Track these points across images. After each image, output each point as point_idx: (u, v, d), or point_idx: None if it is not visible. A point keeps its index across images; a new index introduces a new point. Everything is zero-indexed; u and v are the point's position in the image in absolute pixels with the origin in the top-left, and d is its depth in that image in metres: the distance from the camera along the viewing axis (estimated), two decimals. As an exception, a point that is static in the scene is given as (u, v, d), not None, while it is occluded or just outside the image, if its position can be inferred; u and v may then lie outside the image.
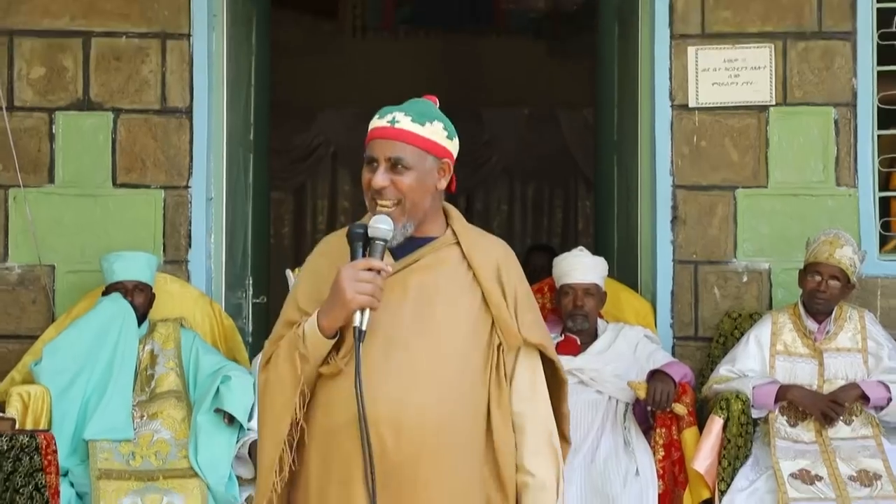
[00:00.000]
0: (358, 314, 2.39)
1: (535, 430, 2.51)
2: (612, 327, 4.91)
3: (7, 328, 5.11)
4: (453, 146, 2.56)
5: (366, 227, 2.45)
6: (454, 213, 2.59)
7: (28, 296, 5.14)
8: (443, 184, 2.52)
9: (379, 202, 2.47)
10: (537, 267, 6.53)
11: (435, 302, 2.47)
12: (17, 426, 4.28)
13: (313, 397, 2.47)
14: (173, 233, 5.18)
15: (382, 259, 2.43)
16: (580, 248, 5.02)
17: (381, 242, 2.43)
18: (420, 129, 2.49)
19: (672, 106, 5.23)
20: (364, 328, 2.39)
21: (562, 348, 4.79)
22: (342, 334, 2.44)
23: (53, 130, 5.19)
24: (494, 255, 2.55)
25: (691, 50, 5.21)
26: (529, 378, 2.53)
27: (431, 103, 2.58)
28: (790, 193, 5.22)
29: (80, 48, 5.19)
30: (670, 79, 5.21)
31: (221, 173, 5.29)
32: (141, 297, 4.79)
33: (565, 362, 4.66)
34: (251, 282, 5.66)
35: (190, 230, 5.17)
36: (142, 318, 4.79)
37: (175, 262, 5.17)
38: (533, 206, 9.45)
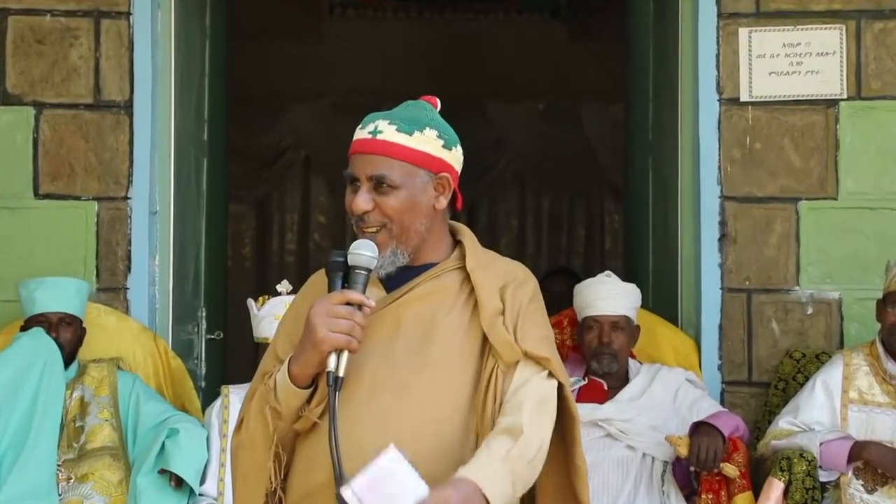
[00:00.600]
0: (333, 357, 2.41)
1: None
2: (647, 369, 4.91)
3: None
4: (454, 157, 2.58)
5: (346, 255, 2.47)
6: (465, 233, 2.63)
7: (-70, 331, 5.12)
8: (442, 202, 2.55)
9: (363, 228, 2.50)
10: (555, 295, 6.48)
11: (432, 337, 2.50)
12: (-86, 492, 4.26)
13: (292, 459, 2.51)
14: (109, 254, 5.18)
15: (365, 291, 2.45)
16: (607, 272, 5.03)
17: (364, 272, 2.46)
18: (408, 140, 2.51)
19: (720, 100, 5.24)
20: (340, 373, 2.41)
21: (585, 394, 4.80)
22: (317, 383, 2.47)
23: (-39, 129, 5.22)
24: (505, 273, 2.57)
25: (743, 32, 5.22)
26: (534, 398, 2.51)
27: (428, 106, 2.60)
28: (865, 206, 5.23)
29: (-7, 29, 5.22)
30: (718, 67, 5.23)
31: (168, 181, 5.30)
32: (68, 333, 4.79)
33: (589, 411, 4.67)
34: (204, 314, 5.69)
35: (129, 251, 5.17)
36: (69, 357, 4.79)
37: (111, 289, 5.16)
38: (549, 221, 9.46)
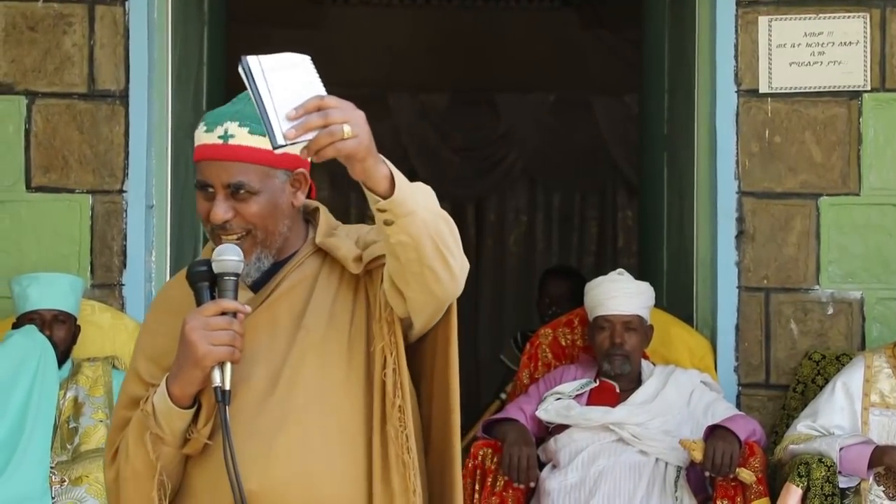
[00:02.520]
0: (217, 371, 2.39)
1: None
2: (661, 371, 4.91)
3: None
4: None
5: (209, 263, 2.45)
6: (321, 214, 2.61)
7: (-82, 328, 5.12)
8: (300, 198, 2.53)
9: (223, 236, 2.47)
10: (554, 297, 6.46)
11: (308, 325, 2.49)
12: None
13: (187, 484, 2.48)
14: (104, 249, 5.18)
15: (237, 297, 2.43)
16: (619, 270, 5.04)
17: (232, 278, 2.43)
18: (261, 142, 2.45)
19: (738, 92, 5.24)
20: (227, 387, 2.39)
21: (596, 397, 4.80)
22: (200, 401, 2.44)
23: (-49, 119, 5.21)
24: (355, 230, 2.57)
25: (763, 20, 5.22)
26: None
27: None
28: (889, 203, 5.24)
29: (-17, 15, 5.22)
30: (736, 57, 5.23)
31: (165, 174, 5.31)
32: (62, 331, 4.79)
33: (600, 414, 4.67)
34: (202, 311, 5.65)
35: (125, 246, 5.17)
36: (63, 356, 4.79)
37: (106, 285, 5.16)
38: (560, 218, 9.46)
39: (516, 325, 6.59)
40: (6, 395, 4.61)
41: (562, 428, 4.76)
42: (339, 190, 8.65)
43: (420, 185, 2.33)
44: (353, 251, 2.51)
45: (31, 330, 4.73)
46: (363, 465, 2.45)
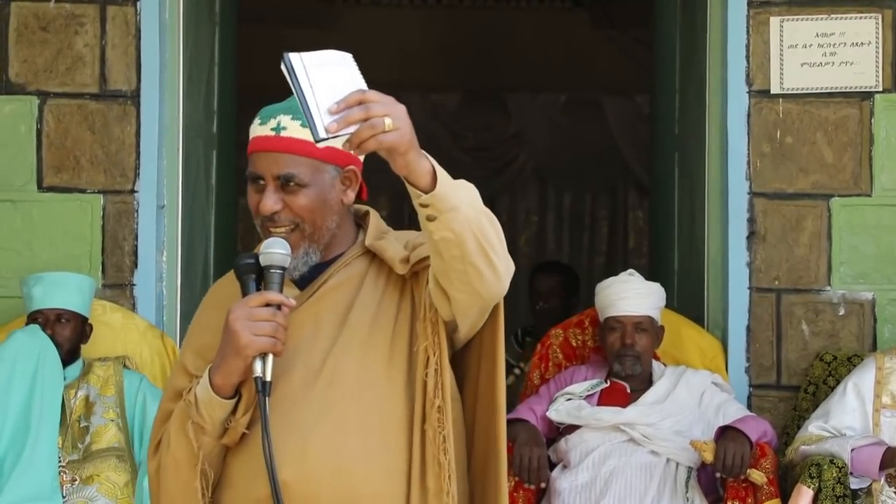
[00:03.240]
0: (258, 362, 2.41)
1: None
2: (671, 371, 4.91)
3: None
4: None
5: (257, 256, 2.47)
6: (371, 217, 2.63)
7: (-69, 328, 5.13)
8: (350, 196, 2.55)
9: (272, 229, 2.50)
10: (542, 292, 6.45)
11: (352, 324, 2.50)
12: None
13: (227, 474, 2.50)
14: (115, 249, 5.18)
15: (282, 291, 2.45)
16: (630, 271, 5.04)
17: (278, 271, 2.45)
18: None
19: (749, 92, 5.23)
20: (268, 378, 2.40)
21: (607, 397, 4.80)
22: (241, 392, 2.46)
23: (-38, 119, 5.22)
24: (404, 236, 2.58)
25: (774, 21, 5.21)
26: None
27: None
28: (901, 203, 5.25)
29: (-5, 15, 5.23)
30: (747, 58, 5.22)
31: (177, 174, 5.31)
32: (66, 330, 4.79)
33: (611, 415, 4.67)
34: (213, 312, 5.65)
35: (136, 246, 5.18)
36: (69, 355, 4.79)
37: (117, 285, 5.17)
38: (571, 218, 9.46)
39: (527, 324, 6.60)
40: (6, 395, 4.60)
41: (572, 428, 4.76)
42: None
43: (463, 181, 2.34)
44: (401, 253, 2.52)
45: (33, 329, 4.73)
46: (399, 464, 2.46)
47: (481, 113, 9.18)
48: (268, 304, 2.41)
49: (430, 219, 2.29)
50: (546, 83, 8.99)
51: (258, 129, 2.51)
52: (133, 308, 5.15)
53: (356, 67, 2.26)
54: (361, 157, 2.54)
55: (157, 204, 5.20)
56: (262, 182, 2.50)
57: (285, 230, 2.49)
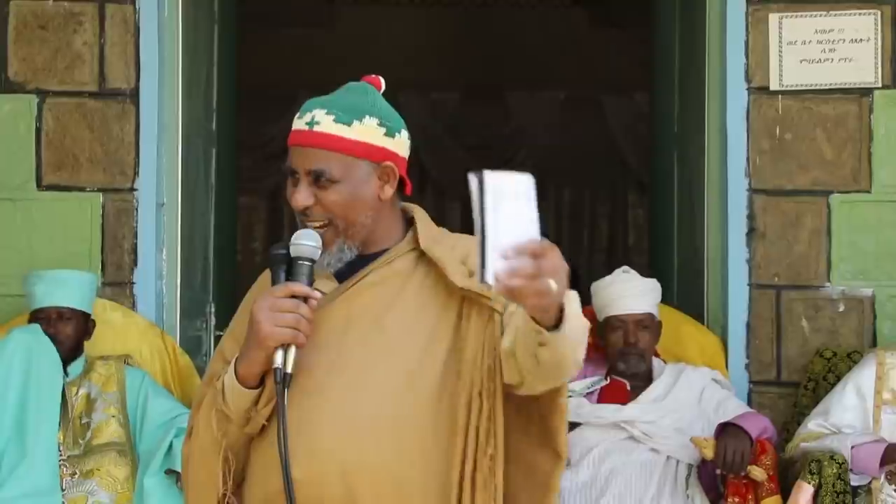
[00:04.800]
0: (279, 353, 2.40)
1: None
2: (671, 369, 4.91)
3: None
4: (397, 144, 2.54)
5: (288, 247, 2.46)
6: (419, 214, 2.60)
7: (-70, 327, 5.13)
8: (388, 191, 2.52)
9: (306, 223, 2.49)
10: None
11: (385, 325, 2.48)
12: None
13: (249, 463, 2.50)
14: (115, 247, 5.19)
15: (311, 282, 2.43)
16: (624, 268, 5.03)
17: (307, 263, 2.44)
18: (346, 131, 2.47)
19: (749, 89, 5.23)
20: (288, 369, 2.39)
21: (607, 395, 4.80)
22: (266, 382, 2.46)
23: (-38, 118, 5.22)
24: (459, 246, 2.54)
25: (773, 18, 5.21)
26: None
27: (370, 90, 2.56)
28: (900, 200, 5.24)
29: (-6, 13, 5.23)
30: (746, 55, 5.23)
31: (176, 172, 5.31)
32: (68, 328, 4.79)
33: (611, 412, 4.67)
34: (213, 309, 5.69)
35: (136, 244, 5.18)
36: (70, 353, 4.78)
37: (117, 283, 5.17)
38: (570, 216, 9.47)
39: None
40: (2, 393, 4.60)
41: (572, 426, 4.76)
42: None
43: (576, 306, 2.28)
44: (459, 269, 2.47)
45: (32, 328, 4.72)
46: (411, 474, 2.43)
47: (481, 111, 9.19)
48: (294, 296, 2.40)
49: (540, 344, 2.25)
50: (545, 81, 8.99)
51: (296, 123, 2.50)
52: (133, 306, 5.15)
53: (535, 196, 2.17)
54: (405, 156, 2.52)
55: (157, 202, 5.21)
56: (297, 175, 2.49)
57: (319, 225, 2.47)
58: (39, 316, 4.78)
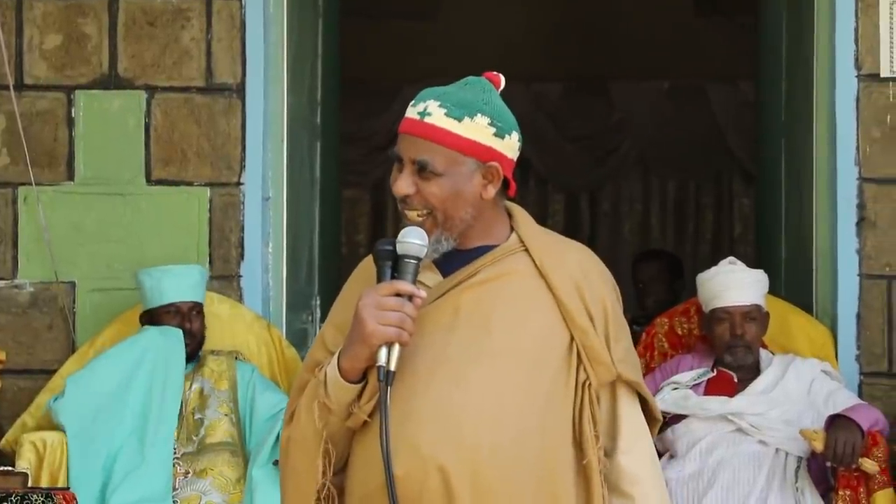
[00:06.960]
0: (383, 351, 2.40)
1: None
2: (779, 360, 4.88)
3: (17, 361, 5.18)
4: (506, 146, 2.52)
5: (394, 243, 2.46)
6: (520, 214, 2.60)
7: (42, 320, 5.23)
8: (490, 191, 2.51)
9: (406, 211, 2.50)
10: (644, 280, 6.49)
11: (495, 325, 2.47)
12: (29, 482, 4.38)
13: (350, 457, 2.51)
14: (222, 241, 5.24)
15: (415, 280, 2.44)
16: (730, 259, 5.01)
17: (413, 261, 2.44)
18: (455, 126, 2.47)
19: (858, 76, 5.19)
20: (392, 367, 2.40)
21: (714, 387, 4.79)
22: (368, 377, 2.46)
23: (72, 114, 5.28)
24: (571, 261, 2.54)
25: (884, 3, 5.17)
26: (631, 430, 2.53)
27: (487, 87, 2.54)
28: None
29: (104, 11, 5.27)
30: (856, 41, 5.19)
31: (281, 166, 5.36)
32: (199, 322, 4.87)
33: (718, 405, 4.65)
34: (318, 302, 5.72)
35: (242, 237, 5.24)
36: (198, 347, 4.86)
37: (224, 277, 5.22)
38: (675, 206, 9.42)
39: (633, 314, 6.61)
40: (130, 389, 4.67)
41: (679, 418, 4.74)
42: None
43: None
44: (580, 310, 2.51)
45: (169, 332, 4.76)
46: (510, 473, 2.44)
47: (584, 102, 9.17)
48: (399, 294, 2.41)
49: None
50: (649, 70, 8.94)
51: (409, 110, 2.50)
52: (240, 299, 5.21)
53: None
54: (515, 158, 2.53)
55: (263, 196, 5.26)
56: (402, 163, 2.50)
57: (418, 214, 2.48)
58: (170, 310, 4.82)
